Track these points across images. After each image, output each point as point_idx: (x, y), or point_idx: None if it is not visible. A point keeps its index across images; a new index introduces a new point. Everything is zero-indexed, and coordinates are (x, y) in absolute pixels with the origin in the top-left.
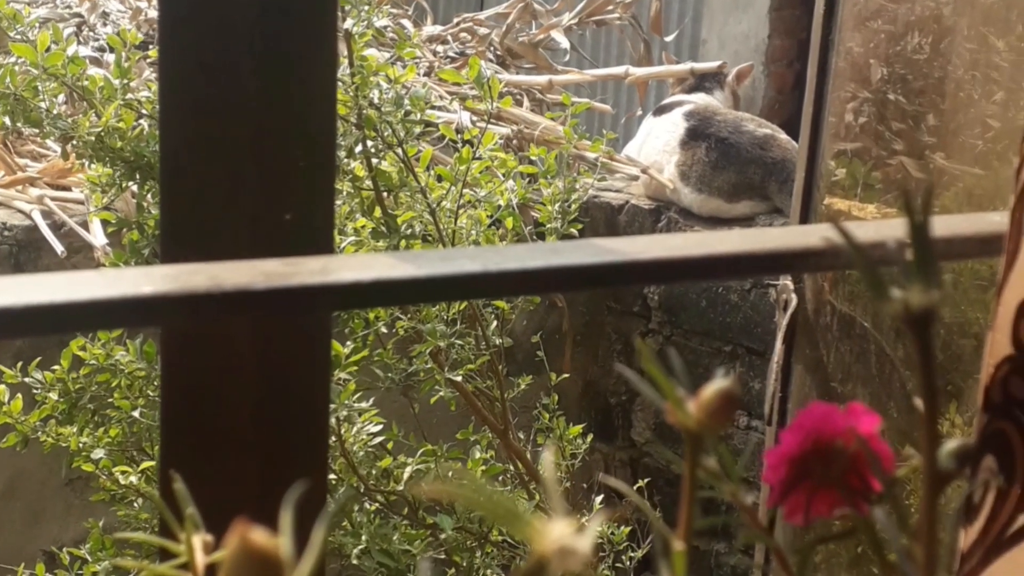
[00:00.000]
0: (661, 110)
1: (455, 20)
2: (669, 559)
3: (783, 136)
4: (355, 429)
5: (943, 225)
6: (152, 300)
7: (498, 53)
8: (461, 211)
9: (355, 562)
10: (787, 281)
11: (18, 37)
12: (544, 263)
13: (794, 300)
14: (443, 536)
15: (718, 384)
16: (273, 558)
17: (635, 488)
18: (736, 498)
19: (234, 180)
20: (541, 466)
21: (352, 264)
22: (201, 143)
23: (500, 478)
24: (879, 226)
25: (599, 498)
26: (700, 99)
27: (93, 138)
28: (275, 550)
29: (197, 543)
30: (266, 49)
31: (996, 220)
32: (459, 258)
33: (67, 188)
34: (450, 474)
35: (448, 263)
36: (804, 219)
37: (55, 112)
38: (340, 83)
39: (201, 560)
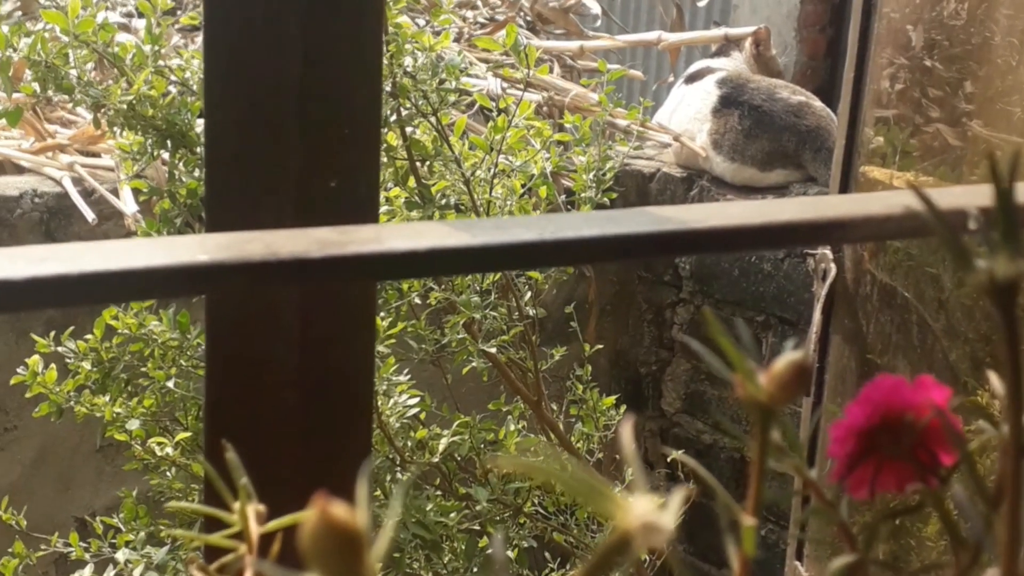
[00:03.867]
0: (692, 78)
1: None
2: (737, 534)
3: (817, 103)
4: (391, 402)
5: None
6: (208, 268)
7: (528, 18)
8: (495, 180)
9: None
10: (826, 251)
11: (49, 4)
12: (600, 232)
13: (833, 270)
14: (477, 508)
15: (790, 356)
16: (354, 531)
17: (668, 460)
18: (800, 472)
19: (279, 148)
20: (583, 444)
21: (405, 233)
22: (245, 111)
23: (533, 449)
24: (949, 193)
25: (631, 469)
26: (727, 64)
27: (124, 106)
28: (355, 523)
29: (251, 513)
30: (312, 16)
31: None
32: (514, 227)
33: (97, 155)
34: (532, 448)
35: (503, 232)
36: (844, 187)
37: (85, 80)
38: None
39: (255, 529)
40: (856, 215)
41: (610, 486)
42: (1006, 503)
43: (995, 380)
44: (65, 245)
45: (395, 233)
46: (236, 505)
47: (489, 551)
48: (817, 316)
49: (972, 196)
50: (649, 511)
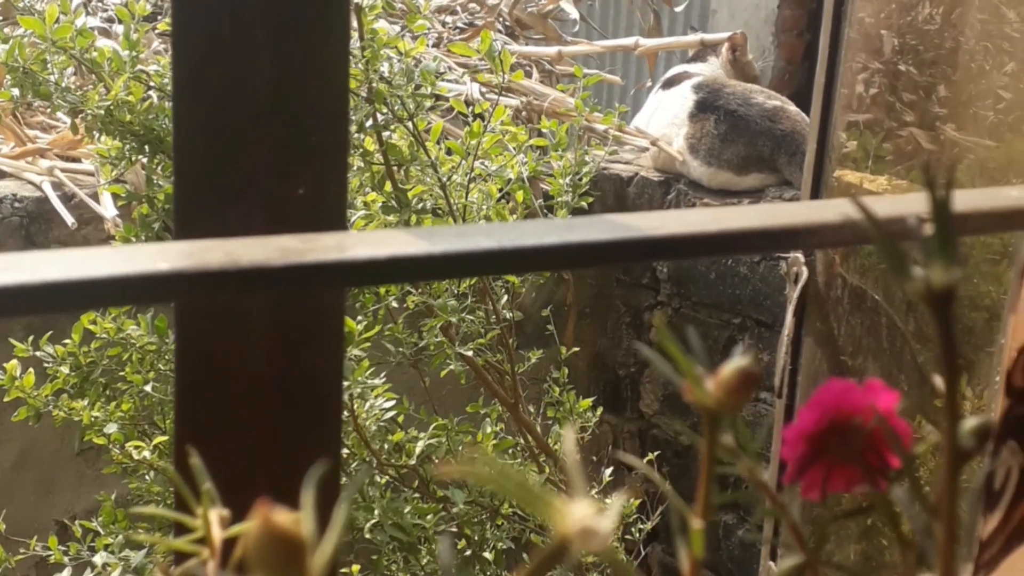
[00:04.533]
0: (669, 83)
1: None
2: (687, 536)
3: (792, 108)
4: (367, 405)
5: (961, 200)
6: (168, 277)
7: (507, 24)
8: (472, 185)
9: (367, 536)
10: (798, 254)
11: (25, 10)
12: (559, 240)
13: (805, 273)
14: (455, 510)
15: (737, 362)
16: (296, 538)
17: (645, 461)
18: (752, 475)
19: (247, 155)
20: (560, 446)
21: (367, 240)
22: (213, 118)
23: (510, 451)
24: (896, 201)
25: (608, 471)
26: (704, 69)
27: (102, 111)
28: (297, 530)
29: (214, 518)
30: (279, 22)
31: (1015, 195)
32: (474, 234)
33: (77, 160)
34: (474, 455)
35: (463, 239)
36: (815, 191)
37: (64, 85)
38: (351, 57)
39: (218, 535)
40: (810, 223)
41: (547, 490)
42: (944, 506)
43: (939, 384)
44: (27, 254)
45: (357, 241)
46: (200, 510)
47: (467, 553)
48: (789, 318)
49: (909, 203)
50: (587, 516)
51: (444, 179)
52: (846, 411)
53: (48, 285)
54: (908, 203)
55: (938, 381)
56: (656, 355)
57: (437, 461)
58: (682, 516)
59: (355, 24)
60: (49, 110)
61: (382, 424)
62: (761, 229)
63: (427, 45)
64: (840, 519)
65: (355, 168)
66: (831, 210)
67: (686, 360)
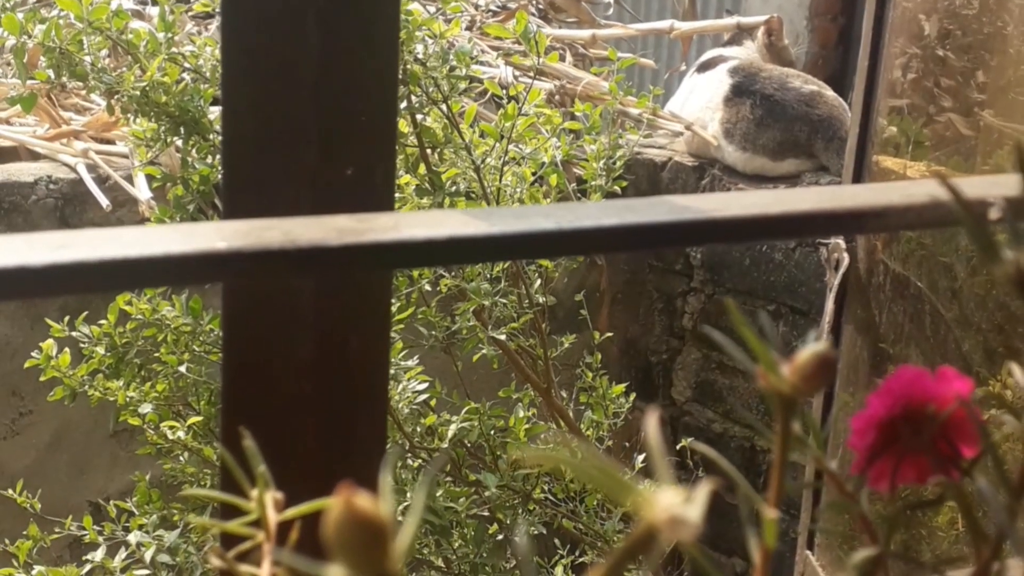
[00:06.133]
0: (704, 67)
1: None
2: (758, 526)
3: (829, 93)
4: (400, 387)
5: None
6: (226, 255)
7: (540, 6)
8: (505, 168)
9: (399, 519)
10: (839, 240)
11: None
12: (619, 221)
13: (846, 259)
14: (487, 494)
15: (814, 348)
16: (378, 522)
17: (676, 448)
18: (821, 464)
19: (296, 136)
20: (592, 431)
21: (424, 221)
22: (263, 99)
23: (543, 436)
24: (976, 183)
25: (640, 457)
26: (739, 53)
27: (138, 93)
28: (379, 514)
29: (269, 500)
30: (329, 5)
31: None
32: (533, 216)
33: (111, 142)
34: (554, 442)
35: (522, 220)
36: (857, 177)
37: (99, 66)
38: None
39: (273, 517)
40: (875, 205)
41: (634, 479)
42: None
43: (1017, 372)
44: (83, 231)
45: (413, 221)
46: (254, 493)
47: (498, 537)
48: (829, 305)
49: (993, 186)
50: (676, 504)
51: (478, 162)
52: (918, 399)
53: (106, 263)
54: (983, 185)
55: (1016, 369)
56: (727, 340)
57: (469, 445)
58: (754, 507)
59: None
60: (84, 91)
61: (414, 407)
62: (826, 211)
63: (461, 27)
64: (912, 510)
65: None
66: (896, 192)
67: (761, 345)
